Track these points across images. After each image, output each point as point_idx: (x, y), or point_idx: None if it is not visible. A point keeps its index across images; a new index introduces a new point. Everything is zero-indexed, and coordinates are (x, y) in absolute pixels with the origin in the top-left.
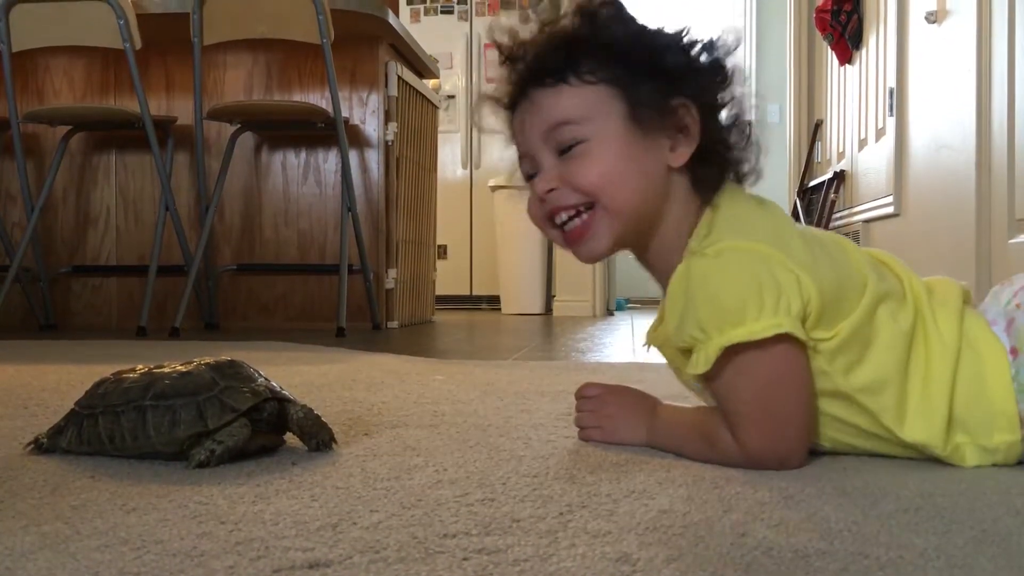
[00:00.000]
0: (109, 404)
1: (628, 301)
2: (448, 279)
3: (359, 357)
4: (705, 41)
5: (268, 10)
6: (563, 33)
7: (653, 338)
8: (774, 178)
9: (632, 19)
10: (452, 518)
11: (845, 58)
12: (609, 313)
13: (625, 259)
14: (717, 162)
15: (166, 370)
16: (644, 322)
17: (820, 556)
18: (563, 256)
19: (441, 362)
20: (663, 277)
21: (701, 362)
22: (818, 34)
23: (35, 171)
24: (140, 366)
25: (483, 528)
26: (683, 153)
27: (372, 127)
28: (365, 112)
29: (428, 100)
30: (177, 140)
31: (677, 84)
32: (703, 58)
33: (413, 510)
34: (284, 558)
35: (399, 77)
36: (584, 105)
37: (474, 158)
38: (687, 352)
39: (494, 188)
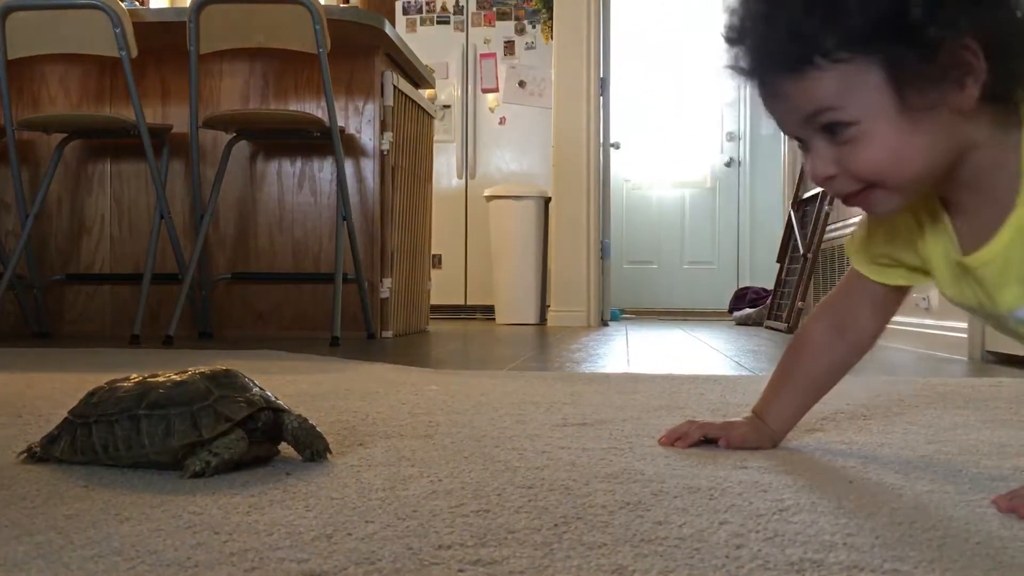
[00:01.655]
0: (103, 413)
1: (623, 311)
2: (443, 289)
3: (354, 367)
4: None
5: (265, 19)
6: (800, 10)
7: (970, 264)
8: (768, 190)
9: None
10: (447, 529)
11: None
12: (603, 323)
13: (619, 269)
14: (1015, 68)
15: (160, 379)
16: (639, 332)
17: (815, 568)
18: (558, 266)
19: (436, 372)
20: (987, 207)
21: None
22: None
23: (30, 178)
24: (134, 375)
25: (478, 539)
26: (970, 95)
27: (368, 136)
28: (361, 121)
29: (424, 110)
30: (172, 148)
31: (938, 27)
32: None
33: (408, 521)
34: (279, 569)
35: (395, 87)
36: (841, 87)
37: (469, 168)
38: None
39: (489, 198)
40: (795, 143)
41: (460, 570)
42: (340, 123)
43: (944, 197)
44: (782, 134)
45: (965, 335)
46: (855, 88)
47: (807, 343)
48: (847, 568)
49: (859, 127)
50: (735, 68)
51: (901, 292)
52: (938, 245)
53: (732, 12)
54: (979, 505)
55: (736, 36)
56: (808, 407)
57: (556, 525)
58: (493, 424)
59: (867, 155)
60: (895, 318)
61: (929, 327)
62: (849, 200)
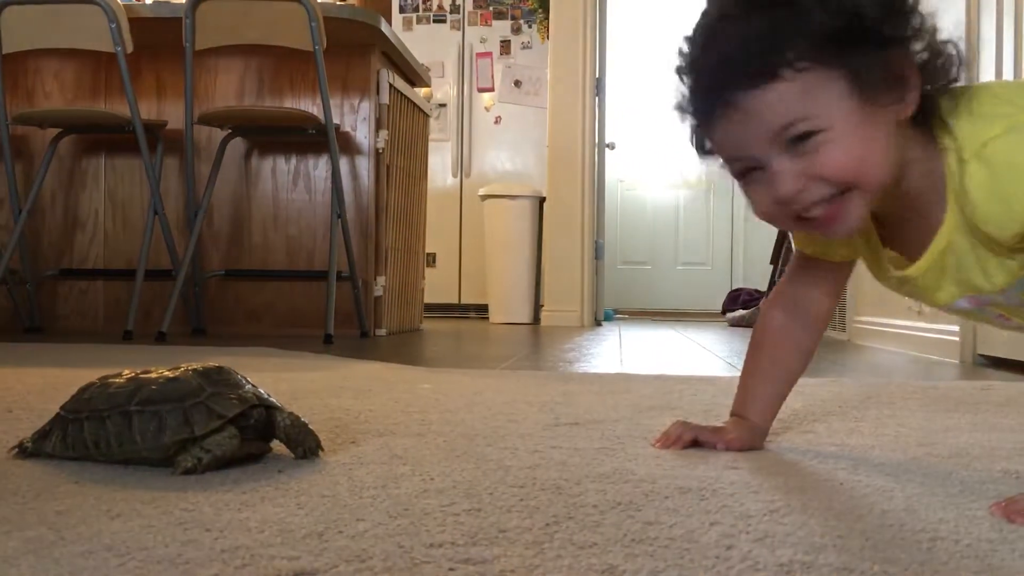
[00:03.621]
0: (95, 409)
1: (616, 312)
2: (437, 287)
3: (347, 364)
4: None
5: (261, 16)
6: (759, 25)
7: (905, 273)
8: None
9: None
10: (439, 528)
11: None
12: (597, 324)
13: (613, 269)
14: (935, 84)
15: (153, 375)
16: (632, 333)
17: (805, 570)
18: (552, 266)
19: (429, 370)
20: (916, 220)
21: None
22: None
23: (24, 173)
24: (126, 371)
25: (470, 538)
26: (911, 102)
27: (363, 134)
28: (356, 119)
29: (419, 108)
30: (167, 144)
31: (886, 38)
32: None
33: (399, 519)
34: (269, 566)
35: (391, 85)
36: (808, 96)
37: (464, 167)
38: (1011, 251)
39: (484, 197)
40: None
41: (451, 569)
42: (335, 121)
43: (875, 211)
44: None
45: (957, 338)
46: (820, 95)
47: (767, 332)
48: (837, 570)
49: (827, 134)
50: (692, 94)
51: (847, 267)
52: (863, 249)
53: (688, 41)
54: (968, 508)
55: (693, 62)
56: (784, 395)
57: (547, 524)
58: (485, 423)
59: (838, 158)
60: (887, 320)
61: (921, 330)
62: (820, 216)
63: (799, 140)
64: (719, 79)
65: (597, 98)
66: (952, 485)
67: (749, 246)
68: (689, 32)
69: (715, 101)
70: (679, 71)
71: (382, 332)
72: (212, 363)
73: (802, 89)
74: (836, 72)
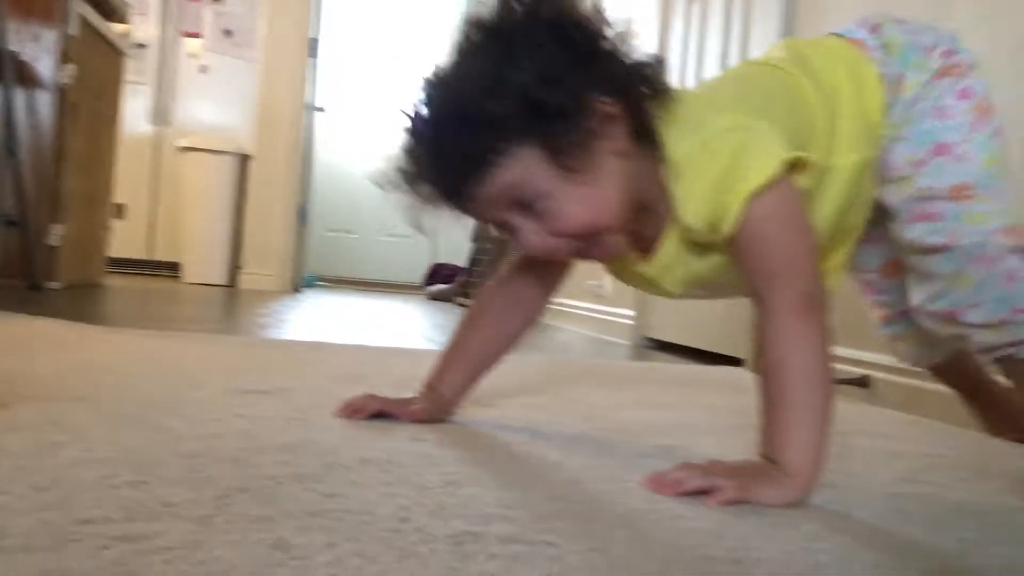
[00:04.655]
0: None
1: (318, 279)
2: (125, 241)
3: (9, 320)
4: (568, 31)
5: None
6: (453, 131)
7: (644, 272)
8: None
9: (473, 75)
10: (93, 502)
11: None
12: (297, 290)
13: (318, 235)
14: (640, 106)
15: None
16: (332, 301)
17: (474, 540)
18: (253, 228)
19: (107, 330)
20: (653, 220)
21: (729, 220)
22: None
23: None
24: None
25: (128, 513)
26: (620, 138)
27: (45, 67)
28: (39, 49)
29: (114, 46)
30: None
31: (563, 99)
32: (579, 49)
33: (46, 493)
34: None
35: (81, 15)
36: (520, 170)
37: (163, 115)
38: (714, 248)
39: (184, 149)
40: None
41: (103, 547)
42: (13, 48)
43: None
44: None
45: (631, 322)
46: (529, 167)
47: (481, 315)
48: (503, 540)
49: (551, 198)
50: (425, 201)
51: (569, 265)
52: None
53: (406, 154)
54: (626, 480)
55: (416, 174)
56: (479, 377)
57: (219, 497)
58: (165, 388)
59: (568, 216)
60: (572, 302)
61: (601, 312)
62: (589, 258)
63: (528, 206)
64: (444, 183)
65: (311, 59)
66: (614, 459)
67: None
68: (409, 137)
69: (450, 201)
70: (411, 181)
71: (56, 285)
72: None
73: (513, 165)
74: (533, 143)
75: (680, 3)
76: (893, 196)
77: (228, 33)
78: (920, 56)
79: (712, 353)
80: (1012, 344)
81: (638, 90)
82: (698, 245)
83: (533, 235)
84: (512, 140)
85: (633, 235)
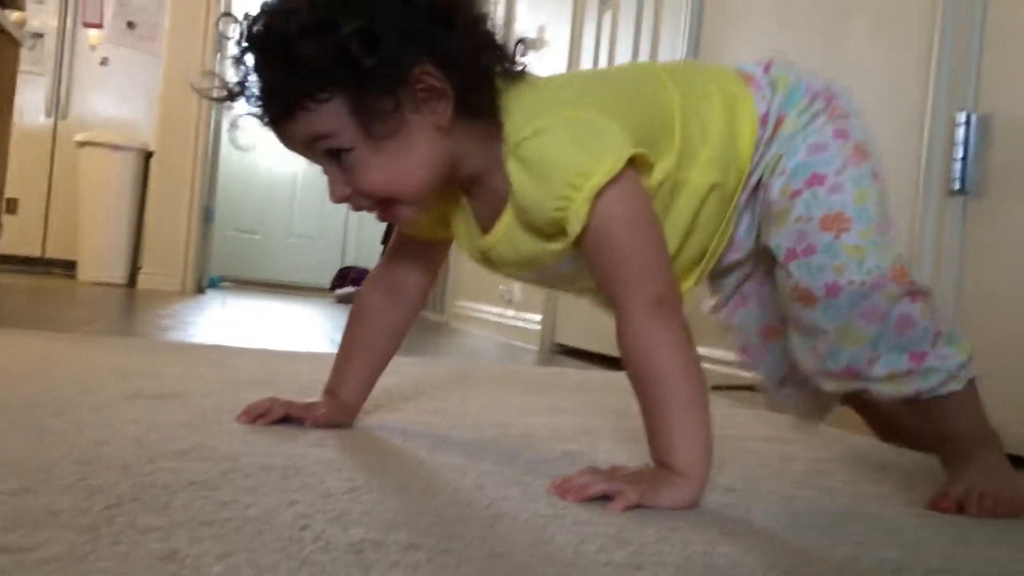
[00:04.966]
0: None
1: (223, 279)
2: (16, 237)
3: None
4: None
5: None
6: (277, 67)
7: (481, 246)
8: None
9: (311, 24)
10: None
11: None
12: (200, 291)
13: (222, 235)
14: (479, 85)
15: None
16: (237, 303)
17: (375, 548)
18: (154, 226)
19: None
20: (490, 196)
21: (575, 221)
22: None
23: None
24: None
25: (9, 522)
26: (444, 112)
27: None
28: None
29: (8, 34)
30: None
31: (396, 61)
32: (420, 14)
33: None
34: None
35: None
36: (331, 120)
37: (61, 107)
38: (550, 237)
39: (82, 144)
40: None
41: None
42: None
43: (464, 188)
44: None
45: (539, 327)
46: (337, 120)
47: (364, 312)
48: (404, 548)
49: (354, 153)
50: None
51: (443, 245)
52: (461, 224)
53: (236, 67)
54: (530, 485)
55: (240, 91)
56: (376, 374)
57: (108, 507)
58: (53, 392)
59: (367, 178)
60: (481, 306)
61: (509, 318)
62: (380, 216)
63: (335, 155)
64: (263, 110)
65: (219, 53)
66: (519, 464)
67: (363, 224)
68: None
69: (264, 120)
70: (237, 95)
71: None
72: None
73: (326, 114)
74: (344, 99)
75: (592, 9)
76: (774, 236)
77: (131, 25)
78: (804, 98)
79: (619, 359)
80: (917, 393)
81: (481, 68)
82: (533, 228)
83: (338, 184)
84: (324, 88)
85: (474, 208)
